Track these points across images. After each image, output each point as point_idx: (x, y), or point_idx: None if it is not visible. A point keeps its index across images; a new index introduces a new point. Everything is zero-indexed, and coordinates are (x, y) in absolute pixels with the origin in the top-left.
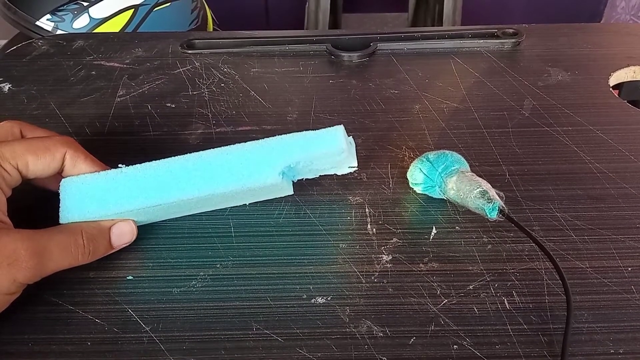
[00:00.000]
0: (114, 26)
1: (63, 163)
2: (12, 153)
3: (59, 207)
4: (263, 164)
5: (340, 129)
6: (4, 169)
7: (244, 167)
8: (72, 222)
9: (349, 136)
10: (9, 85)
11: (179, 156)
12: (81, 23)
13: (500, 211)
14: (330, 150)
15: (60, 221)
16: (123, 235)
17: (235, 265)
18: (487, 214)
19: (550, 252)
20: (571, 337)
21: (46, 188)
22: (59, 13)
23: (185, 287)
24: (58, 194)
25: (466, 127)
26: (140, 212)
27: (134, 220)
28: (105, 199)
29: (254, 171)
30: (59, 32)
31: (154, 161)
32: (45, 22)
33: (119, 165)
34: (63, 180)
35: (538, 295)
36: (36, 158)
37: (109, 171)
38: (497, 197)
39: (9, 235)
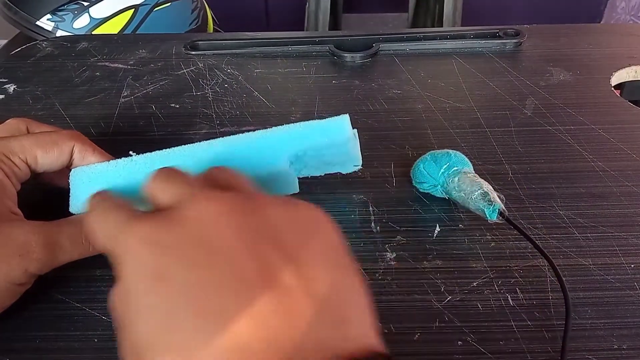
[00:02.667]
0: (114, 26)
1: (71, 157)
2: (20, 147)
3: (69, 197)
4: (272, 151)
5: (345, 118)
6: (14, 163)
7: (252, 154)
8: (83, 212)
9: (353, 129)
10: (14, 86)
11: (189, 144)
12: (81, 23)
13: (500, 213)
14: (337, 138)
15: (71, 210)
16: None
17: None
18: (487, 215)
19: (547, 253)
20: (574, 333)
21: (55, 183)
22: (60, 13)
23: None
24: (67, 189)
25: (469, 127)
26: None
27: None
28: (116, 187)
29: (263, 158)
30: (59, 32)
31: (164, 149)
32: (45, 22)
33: (130, 153)
34: (73, 169)
35: (541, 292)
36: (44, 152)
37: (119, 160)
38: (498, 200)
39: (20, 227)
